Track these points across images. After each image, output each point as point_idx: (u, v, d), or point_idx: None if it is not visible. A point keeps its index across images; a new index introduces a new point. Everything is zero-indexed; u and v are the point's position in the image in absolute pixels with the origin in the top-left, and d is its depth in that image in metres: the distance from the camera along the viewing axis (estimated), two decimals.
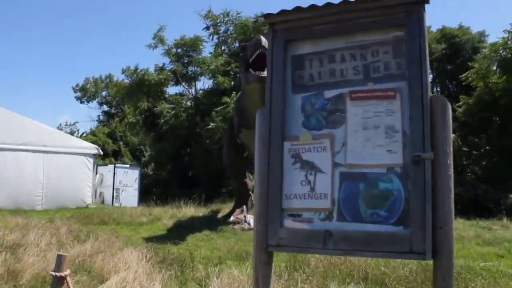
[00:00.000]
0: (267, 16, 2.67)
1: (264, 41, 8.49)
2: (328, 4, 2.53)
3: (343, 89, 2.56)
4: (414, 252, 2.22)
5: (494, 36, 37.98)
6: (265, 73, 8.61)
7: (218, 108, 19.15)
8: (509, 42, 18.30)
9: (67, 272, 3.80)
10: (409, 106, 2.36)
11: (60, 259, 3.81)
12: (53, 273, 3.73)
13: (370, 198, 2.40)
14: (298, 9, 2.58)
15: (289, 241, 2.49)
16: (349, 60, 2.57)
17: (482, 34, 27.26)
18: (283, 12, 2.63)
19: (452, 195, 2.22)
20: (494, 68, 19.27)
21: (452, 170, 2.24)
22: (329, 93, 2.59)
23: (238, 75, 22.02)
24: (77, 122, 44.02)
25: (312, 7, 2.55)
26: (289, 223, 2.55)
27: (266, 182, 2.57)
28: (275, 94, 2.63)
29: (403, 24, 2.43)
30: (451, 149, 2.24)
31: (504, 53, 18.35)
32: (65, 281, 3.73)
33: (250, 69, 8.65)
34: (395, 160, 2.37)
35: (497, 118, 17.53)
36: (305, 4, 2.65)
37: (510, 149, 17.15)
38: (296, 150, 2.60)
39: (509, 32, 18.09)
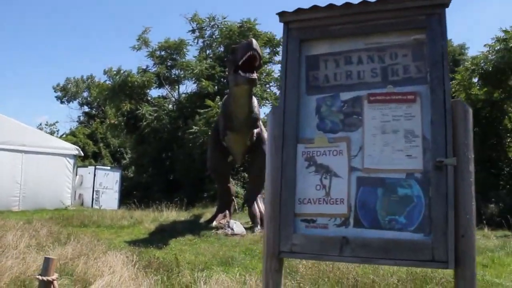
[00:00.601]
0: (281, 14, 2.59)
1: (255, 43, 8.47)
2: (347, 4, 2.46)
3: (360, 91, 2.50)
4: (436, 260, 2.16)
5: (475, 49, 38.86)
6: (255, 75, 8.64)
7: (202, 111, 18.97)
8: (489, 55, 18.71)
9: (54, 276, 3.63)
10: (431, 111, 2.30)
11: (47, 263, 3.64)
12: (40, 278, 3.56)
13: (389, 204, 2.32)
14: (314, 8, 2.51)
15: (303, 247, 2.39)
16: (367, 62, 2.50)
17: (462, 47, 27.84)
18: (298, 10, 2.55)
19: (474, 202, 2.17)
20: (475, 80, 19.69)
21: (473, 176, 2.19)
22: (346, 95, 2.53)
23: (222, 79, 21.94)
24: (57, 122, 43.16)
25: (330, 6, 2.48)
26: (303, 229, 2.46)
27: (278, 186, 2.47)
28: (290, 95, 2.54)
29: (424, 27, 2.38)
30: (472, 155, 2.20)
31: (485, 66, 18.76)
32: (52, 286, 3.56)
33: (240, 71, 8.59)
34: (415, 166, 2.32)
35: (478, 129, 17.85)
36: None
37: (491, 160, 17.48)
38: (310, 153, 2.52)
39: (489, 46, 18.50)
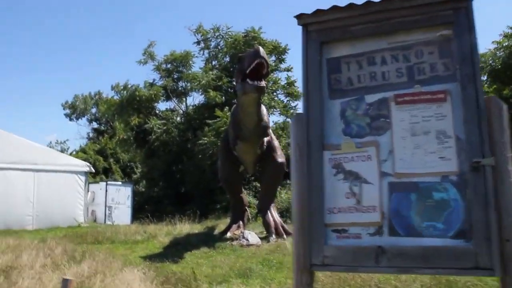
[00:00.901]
0: (300, 16, 2.50)
1: (262, 51, 8.40)
2: (367, 2, 2.37)
3: (386, 93, 2.39)
4: (480, 268, 2.04)
5: (482, 47, 38.57)
6: (263, 83, 8.55)
7: (211, 121, 18.94)
8: (497, 52, 18.56)
9: None
10: (463, 109, 2.19)
11: (65, 285, 3.57)
12: None
13: (424, 210, 2.21)
14: (334, 8, 2.42)
15: (335, 259, 2.28)
16: (391, 62, 2.40)
17: None
18: (318, 12, 2.46)
19: None
20: (484, 78, 19.52)
21: None
22: (371, 98, 2.42)
23: (229, 90, 21.91)
24: (67, 140, 43.57)
25: (350, 6, 2.39)
26: (334, 240, 2.35)
27: (305, 196, 2.36)
28: (312, 100, 2.44)
29: (450, 22, 2.27)
30: (510, 153, 2.09)
31: (493, 63, 18.60)
32: None
33: (248, 79, 8.50)
34: (450, 168, 2.20)
35: None
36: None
37: None
38: (337, 160, 2.41)
39: (497, 42, 18.36)
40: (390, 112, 2.38)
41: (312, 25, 2.51)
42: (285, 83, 23.10)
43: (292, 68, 23.47)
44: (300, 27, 2.50)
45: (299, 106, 23.17)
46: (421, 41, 2.36)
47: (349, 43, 2.51)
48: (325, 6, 2.53)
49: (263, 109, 10.48)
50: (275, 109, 21.92)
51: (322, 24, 2.50)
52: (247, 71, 8.43)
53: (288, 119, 23.27)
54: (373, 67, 2.44)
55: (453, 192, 2.18)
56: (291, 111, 22.95)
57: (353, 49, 2.50)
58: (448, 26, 2.30)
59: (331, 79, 2.52)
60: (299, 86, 23.47)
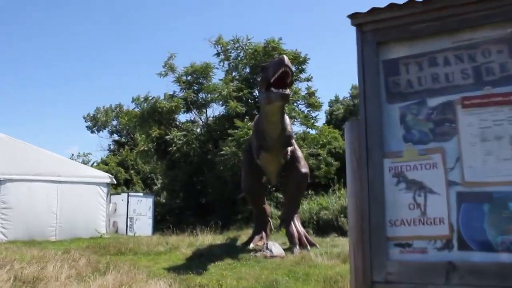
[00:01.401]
0: (354, 16, 2.34)
1: (287, 60, 8.33)
2: None
3: (451, 95, 2.21)
4: None
5: None
6: (288, 91, 8.44)
7: (232, 131, 18.87)
8: None
9: None
10: None
11: None
12: None
13: (499, 222, 2.01)
14: (391, 6, 2.26)
15: (400, 276, 2.09)
16: (455, 62, 2.22)
17: None
18: (373, 10, 2.30)
19: None
20: None
21: None
22: (434, 101, 2.24)
23: (250, 101, 21.87)
24: (90, 153, 44.24)
25: (409, 3, 2.23)
26: (397, 254, 2.17)
27: (365, 207, 2.19)
28: (370, 104, 2.27)
29: None
30: None
31: None
32: None
33: (272, 88, 8.41)
34: None
35: None
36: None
37: None
38: (398, 168, 2.24)
39: None
40: (456, 116, 2.19)
41: (367, 25, 2.35)
42: (305, 93, 22.99)
43: (312, 78, 23.38)
44: (354, 27, 2.35)
45: (319, 116, 23.02)
46: (488, 39, 2.17)
47: (408, 43, 2.33)
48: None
49: (287, 118, 10.38)
50: (295, 120, 21.79)
51: (378, 23, 2.33)
52: (272, 80, 8.34)
53: (309, 130, 23.17)
54: (435, 68, 2.27)
55: None
56: (312, 121, 22.84)
57: (412, 49, 2.32)
58: None
59: (388, 82, 2.34)
60: (319, 96, 23.38)
